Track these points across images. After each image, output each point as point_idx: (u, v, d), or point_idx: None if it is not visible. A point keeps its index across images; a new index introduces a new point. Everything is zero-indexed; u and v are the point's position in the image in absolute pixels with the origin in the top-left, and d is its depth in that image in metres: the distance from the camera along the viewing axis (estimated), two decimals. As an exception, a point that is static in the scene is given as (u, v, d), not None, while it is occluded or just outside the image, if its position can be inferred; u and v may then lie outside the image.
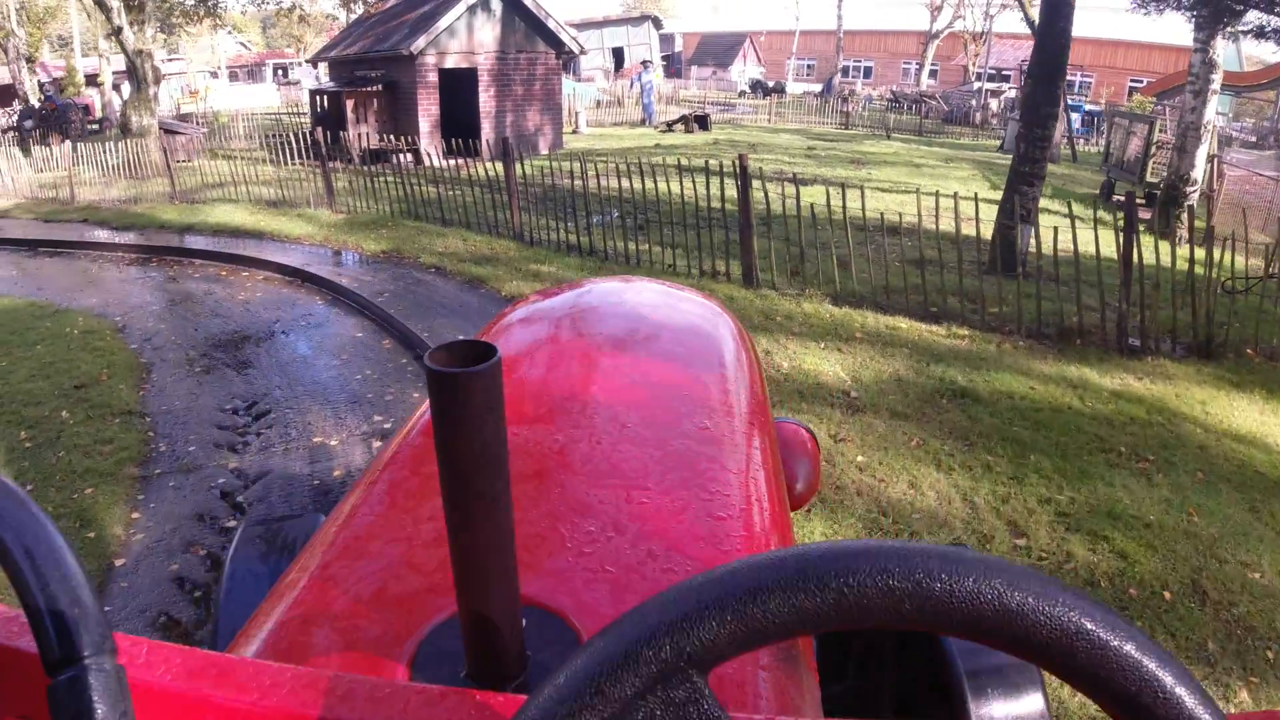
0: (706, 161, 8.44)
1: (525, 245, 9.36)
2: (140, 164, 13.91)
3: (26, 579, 0.50)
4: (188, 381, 6.28)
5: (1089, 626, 0.39)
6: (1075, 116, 24.75)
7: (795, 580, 0.40)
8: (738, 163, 7.26)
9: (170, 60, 48.93)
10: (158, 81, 17.12)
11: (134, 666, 0.63)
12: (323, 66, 27.83)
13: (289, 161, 12.09)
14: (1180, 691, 0.38)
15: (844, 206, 7.19)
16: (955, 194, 6.89)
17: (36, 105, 31.26)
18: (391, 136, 18.13)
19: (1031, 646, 0.39)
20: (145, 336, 7.42)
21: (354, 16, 29.45)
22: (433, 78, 17.30)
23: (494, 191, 9.82)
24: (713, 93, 40.50)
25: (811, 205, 7.58)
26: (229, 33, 55.25)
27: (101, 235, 11.85)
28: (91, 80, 36.60)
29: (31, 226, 13.30)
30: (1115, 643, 0.39)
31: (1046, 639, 0.39)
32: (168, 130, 19.68)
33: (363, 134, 17.95)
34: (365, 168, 16.46)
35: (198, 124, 24.37)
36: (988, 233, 8.00)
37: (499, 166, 9.87)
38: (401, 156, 17.08)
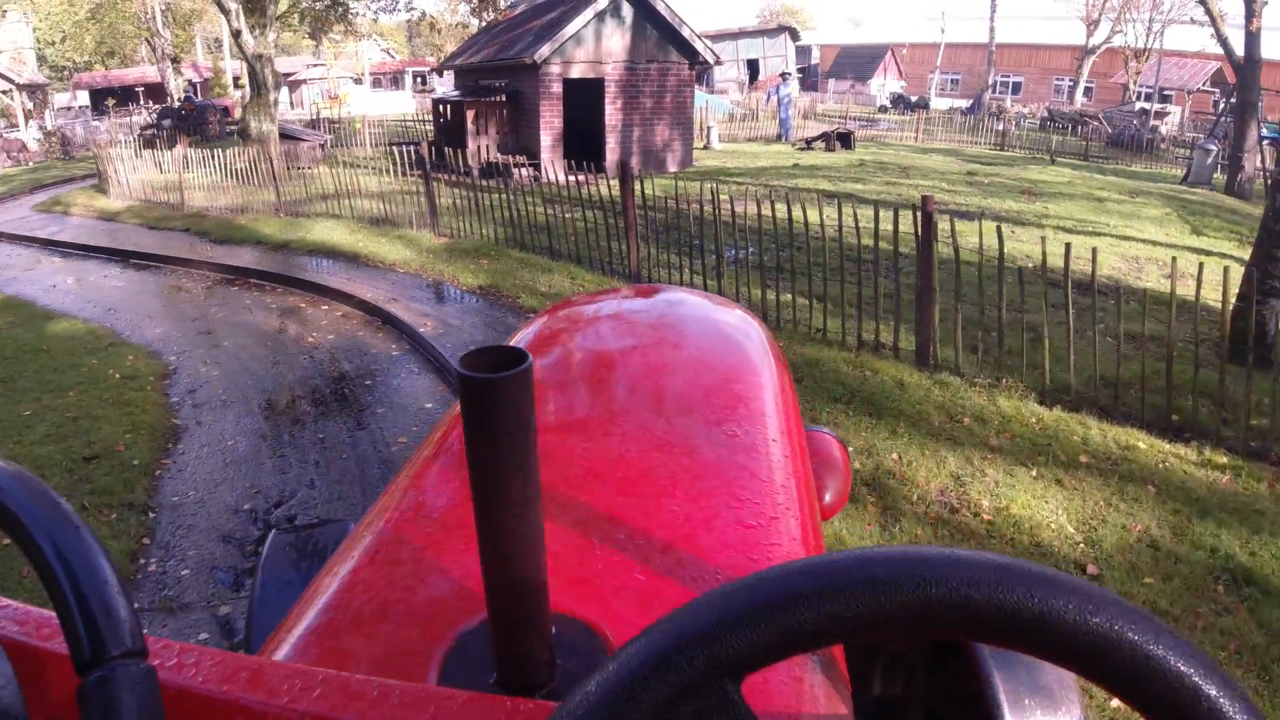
0: (876, 207, 6.79)
1: (641, 288, 7.91)
2: (253, 171, 13.24)
3: (58, 578, 0.50)
4: (215, 459, 5.12)
5: (1132, 635, 0.38)
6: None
7: (829, 587, 0.40)
8: (918, 209, 5.59)
9: (314, 65, 50.32)
10: (278, 87, 16.62)
11: (165, 668, 0.62)
12: (451, 75, 27.41)
13: (402, 174, 11.16)
14: (1225, 701, 0.37)
15: (1043, 257, 5.47)
16: (1199, 264, 5.05)
17: (177, 105, 32.16)
18: (511, 150, 17.15)
19: (1072, 653, 0.39)
20: (191, 387, 6.36)
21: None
22: (556, 88, 16.19)
23: (612, 215, 8.42)
24: (851, 107, 38.37)
25: (1013, 260, 5.84)
26: (374, 40, 56.62)
27: (194, 249, 11.12)
28: (238, 82, 37.52)
29: (133, 234, 12.79)
30: (1159, 650, 0.38)
31: (1088, 645, 0.38)
32: (290, 136, 19.31)
33: (483, 146, 17.00)
34: (482, 182, 15.50)
35: (327, 130, 24.15)
36: (1211, 295, 5.87)
37: (611, 184, 8.49)
38: (520, 171, 16.09)
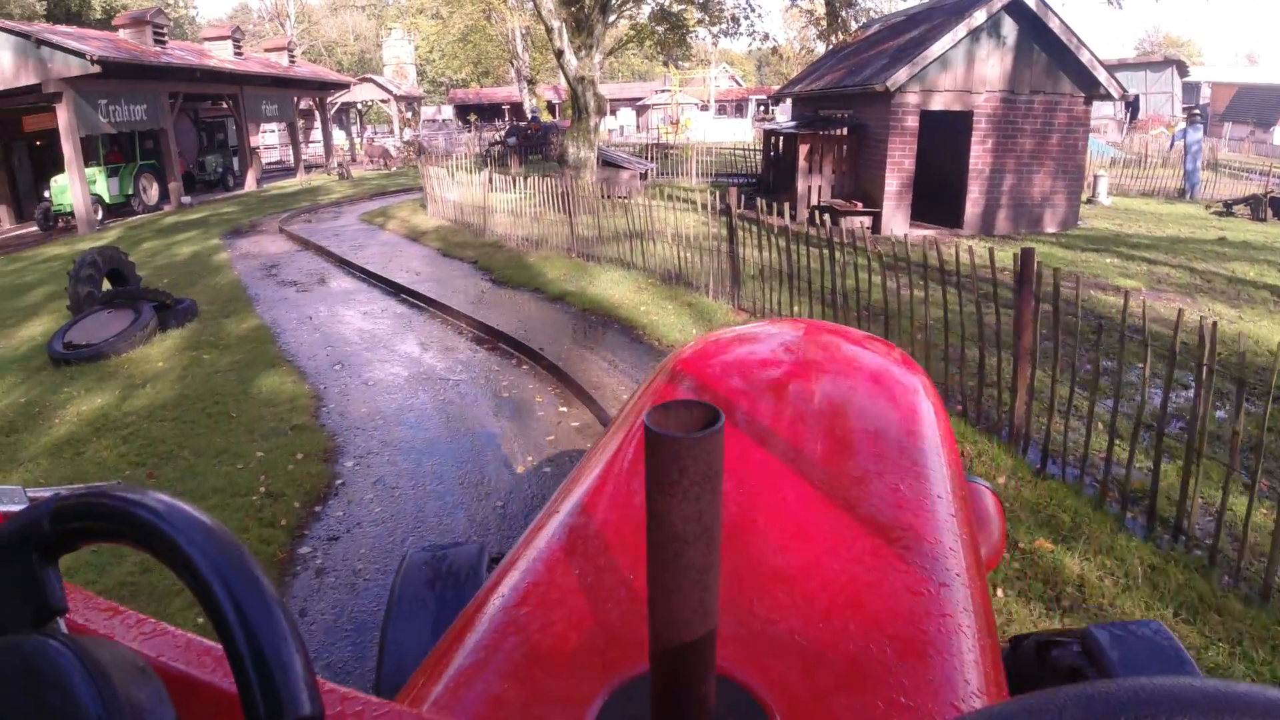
0: None
1: (1035, 471, 4.70)
2: (555, 200, 11.77)
3: (233, 630, 0.49)
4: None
5: None
6: None
7: None
8: None
9: (661, 91, 50.95)
10: (600, 112, 15.36)
11: (332, 717, 0.62)
12: (790, 105, 25.33)
13: (712, 215, 9.00)
14: None
15: None
16: None
17: (523, 124, 33.16)
18: (848, 193, 14.54)
19: None
20: (346, 524, 4.50)
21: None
22: (911, 122, 13.35)
23: (978, 300, 5.39)
24: (1250, 157, 31.18)
25: None
26: (723, 67, 56.55)
27: (467, 289, 9.75)
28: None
29: (423, 261, 11.85)
30: None
31: None
32: (611, 164, 18.15)
33: (814, 187, 14.57)
34: (808, 229, 13.06)
35: (657, 156, 23.00)
36: None
37: (982, 249, 5.23)
38: (857, 222, 13.47)
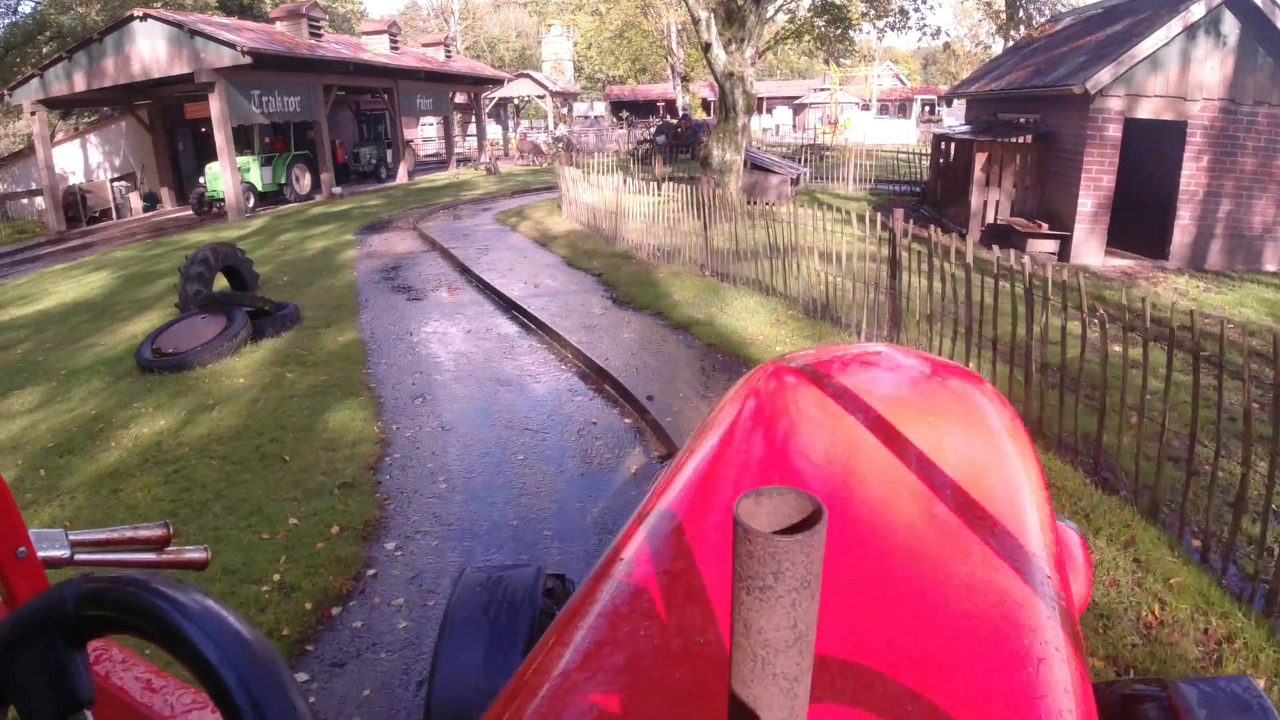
0: None
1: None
2: (689, 208, 10.51)
3: None
4: None
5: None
6: None
7: None
8: None
9: (821, 89, 48.86)
10: (749, 111, 13.99)
11: None
12: (962, 107, 23.15)
13: (870, 231, 7.42)
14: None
15: None
16: None
17: (674, 122, 32.10)
18: (1031, 211, 12.63)
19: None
20: (359, 645, 3.43)
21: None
22: (1113, 131, 11.36)
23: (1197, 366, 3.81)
24: None
25: None
26: (886, 64, 53.76)
27: (586, 309, 8.68)
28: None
29: (546, 271, 10.90)
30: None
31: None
32: (759, 167, 16.76)
33: (990, 201, 12.75)
34: (981, 252, 11.37)
35: (811, 159, 21.40)
36: None
37: (1196, 291, 3.48)
38: (1041, 246, 11.59)
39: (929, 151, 21.57)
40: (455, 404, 6.24)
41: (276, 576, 3.93)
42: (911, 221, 6.51)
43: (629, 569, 1.16)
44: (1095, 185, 11.40)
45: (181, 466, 5.36)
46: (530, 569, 1.97)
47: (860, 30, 24.47)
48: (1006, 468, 1.48)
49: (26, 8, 28.87)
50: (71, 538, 1.01)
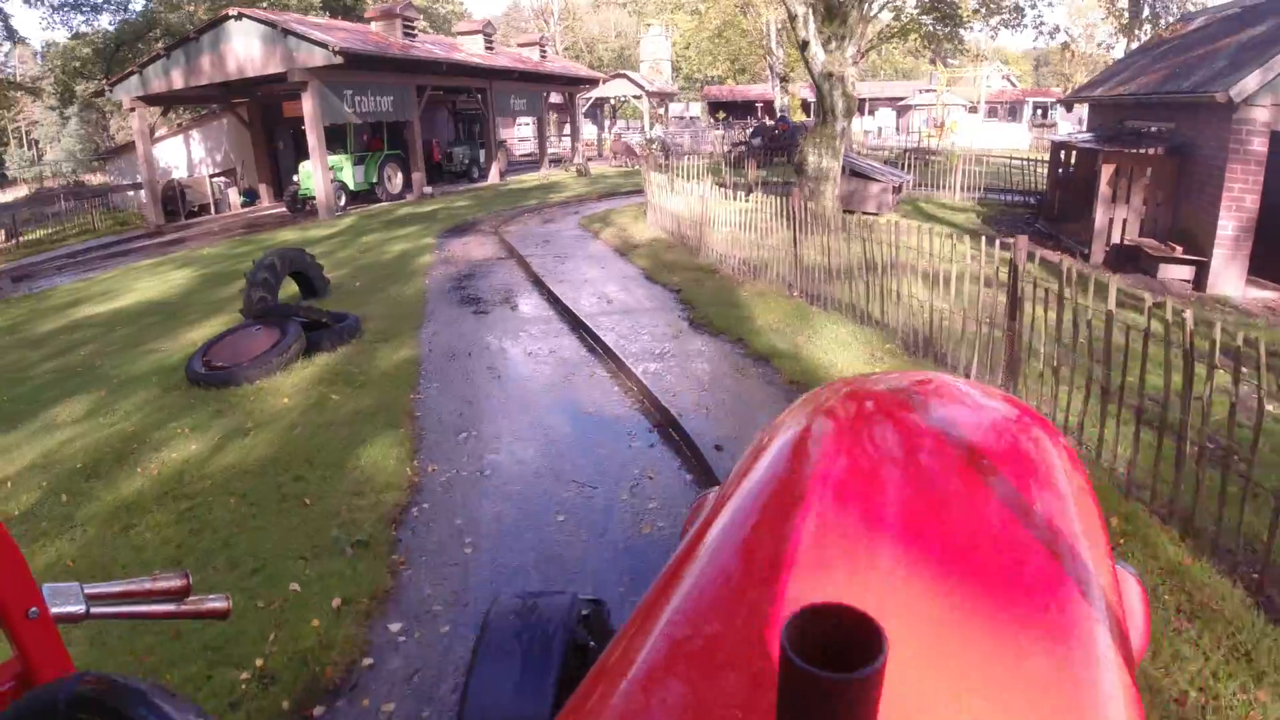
0: None
1: None
2: (778, 219, 9.63)
3: None
4: None
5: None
6: None
7: None
8: None
9: (926, 90, 46.99)
10: (849, 114, 13.02)
11: None
12: (1081, 111, 21.54)
13: (986, 246, 6.38)
14: None
15: None
16: None
17: (770, 124, 31.11)
18: (1163, 233, 11.34)
19: None
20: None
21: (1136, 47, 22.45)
22: (1259, 144, 10.02)
23: None
24: None
25: None
26: (996, 65, 51.36)
27: (657, 333, 7.98)
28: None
29: (622, 285, 10.24)
30: None
31: None
32: (859, 174, 15.76)
33: (1117, 219, 11.51)
34: (1107, 276, 10.20)
35: (915, 164, 20.20)
36: None
37: None
38: (1174, 272, 10.35)
39: (1043, 158, 20.10)
40: (500, 443, 5.61)
41: (259, 661, 3.35)
42: (1037, 252, 5.55)
43: (673, 624, 1.13)
44: (1237, 205, 10.10)
45: (195, 506, 4.90)
46: (565, 596, 1.94)
47: (971, 28, 23.07)
48: (1064, 510, 1.42)
49: (138, 5, 29.88)
50: (87, 591, 1.00)
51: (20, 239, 20.03)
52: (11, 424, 6.91)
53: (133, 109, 20.20)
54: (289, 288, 10.65)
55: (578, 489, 4.86)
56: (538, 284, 10.62)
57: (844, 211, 14.55)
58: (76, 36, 30.49)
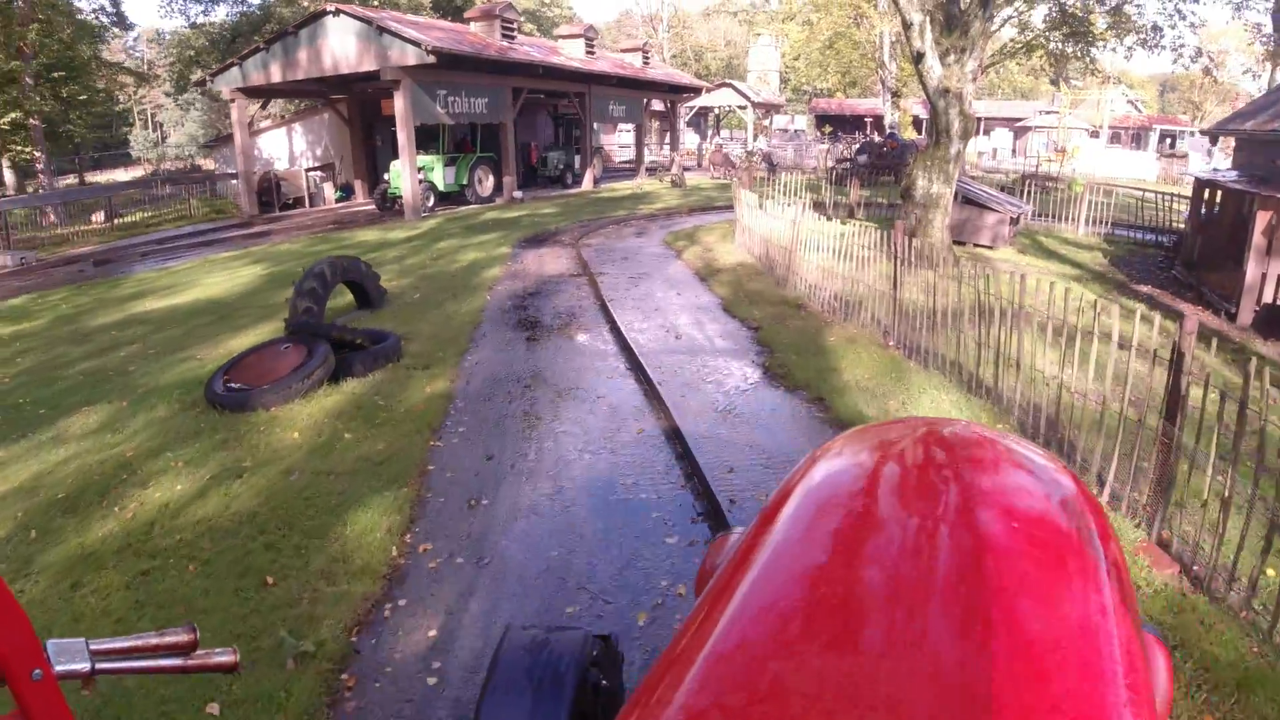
0: None
1: None
2: (884, 248, 8.41)
3: None
4: None
5: None
6: None
7: None
8: None
9: (1047, 112, 44.49)
10: (966, 136, 11.75)
11: None
12: (1226, 145, 19.54)
13: (1124, 305, 5.21)
14: None
15: None
16: None
17: (878, 141, 29.60)
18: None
19: None
20: None
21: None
22: None
23: None
24: None
25: None
26: (1121, 89, 48.35)
27: (725, 384, 7.00)
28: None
29: (694, 320, 9.28)
30: None
31: None
32: (973, 202, 14.39)
33: (1272, 276, 9.95)
34: (1259, 345, 8.91)
35: (1034, 191, 18.61)
36: None
37: None
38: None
39: (1179, 193, 18.19)
40: (512, 522, 4.71)
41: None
42: (1191, 315, 4.33)
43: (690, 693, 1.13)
44: None
45: (154, 569, 4.21)
46: (578, 633, 1.97)
47: (1102, 47, 21.25)
48: (1092, 572, 1.36)
49: (255, -1, 30.48)
50: (93, 647, 0.99)
51: (116, 220, 20.32)
52: (23, 432, 6.45)
53: (232, 100, 20.27)
54: (344, 296, 10.08)
55: (589, 601, 3.90)
56: (603, 309, 9.75)
57: (954, 242, 13.27)
58: (194, 26, 31.34)
